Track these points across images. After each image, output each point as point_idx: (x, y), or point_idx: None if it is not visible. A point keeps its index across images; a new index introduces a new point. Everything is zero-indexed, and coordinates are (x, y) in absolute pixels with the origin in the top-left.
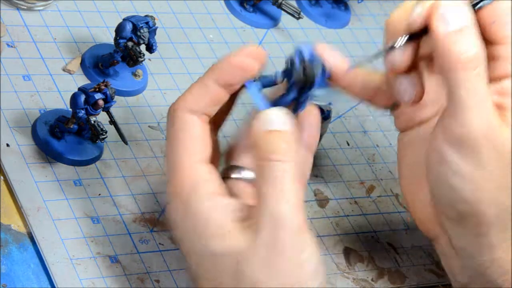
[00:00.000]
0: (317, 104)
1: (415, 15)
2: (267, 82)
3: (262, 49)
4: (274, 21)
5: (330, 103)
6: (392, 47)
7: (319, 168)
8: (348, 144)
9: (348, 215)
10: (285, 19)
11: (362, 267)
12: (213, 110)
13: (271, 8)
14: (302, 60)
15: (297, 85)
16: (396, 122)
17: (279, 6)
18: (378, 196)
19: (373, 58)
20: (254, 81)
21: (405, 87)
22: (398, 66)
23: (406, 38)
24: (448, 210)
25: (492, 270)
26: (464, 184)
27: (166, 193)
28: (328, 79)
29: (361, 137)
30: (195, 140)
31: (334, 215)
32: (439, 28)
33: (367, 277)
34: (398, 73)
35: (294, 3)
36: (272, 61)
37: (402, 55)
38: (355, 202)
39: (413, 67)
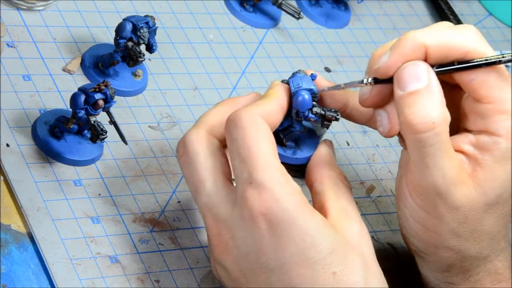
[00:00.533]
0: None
1: (381, 62)
2: None
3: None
4: (274, 21)
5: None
6: (361, 82)
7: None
8: (348, 144)
9: None
10: (285, 19)
11: None
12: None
13: (271, 8)
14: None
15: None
16: (400, 140)
17: (279, 6)
18: (378, 196)
19: (346, 86)
20: None
21: (380, 119)
22: (365, 103)
23: (371, 80)
24: (409, 244)
25: None
26: (421, 228)
27: (260, 175)
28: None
29: (361, 137)
30: (272, 143)
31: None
32: (395, 88)
33: None
34: (367, 107)
35: (294, 3)
36: (272, 61)
37: (369, 93)
38: (355, 202)
39: (388, 102)
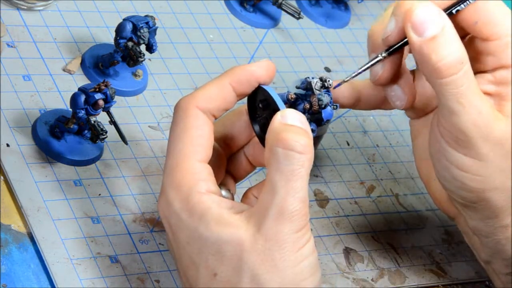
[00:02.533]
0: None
1: (389, 30)
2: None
3: (273, 64)
4: (274, 21)
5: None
6: (371, 63)
7: (319, 168)
8: (348, 144)
9: (348, 215)
10: (285, 19)
11: (362, 267)
12: (221, 112)
13: (271, 8)
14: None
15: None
16: (406, 113)
17: (279, 6)
18: (378, 196)
19: (355, 75)
20: None
21: (396, 94)
22: (380, 80)
23: (385, 53)
24: (456, 197)
25: (508, 248)
26: (466, 175)
27: (163, 183)
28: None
29: (361, 137)
30: (202, 139)
31: (334, 215)
32: (413, 38)
33: (367, 277)
34: (382, 85)
35: (294, 3)
36: (272, 61)
37: (381, 70)
38: (355, 202)
39: (400, 75)
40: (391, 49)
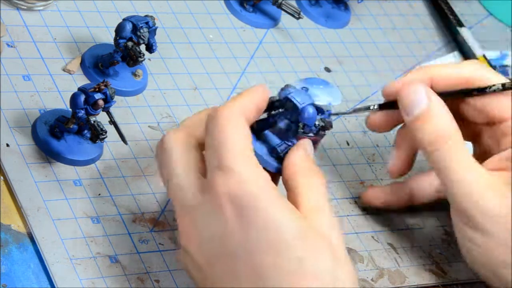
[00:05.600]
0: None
1: (386, 93)
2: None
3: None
4: (274, 21)
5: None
6: (367, 108)
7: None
8: (348, 144)
9: (348, 215)
10: (285, 19)
11: (362, 267)
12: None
13: (271, 8)
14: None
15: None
16: None
17: (279, 6)
18: None
19: (353, 112)
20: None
21: (391, 156)
22: (373, 125)
23: (376, 106)
24: (475, 272)
25: None
26: (474, 248)
27: (223, 164)
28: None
29: (361, 137)
30: (247, 137)
31: (334, 215)
32: (403, 115)
33: (367, 277)
34: (376, 131)
35: (294, 3)
36: (272, 61)
37: (375, 117)
38: (355, 202)
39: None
40: (383, 106)
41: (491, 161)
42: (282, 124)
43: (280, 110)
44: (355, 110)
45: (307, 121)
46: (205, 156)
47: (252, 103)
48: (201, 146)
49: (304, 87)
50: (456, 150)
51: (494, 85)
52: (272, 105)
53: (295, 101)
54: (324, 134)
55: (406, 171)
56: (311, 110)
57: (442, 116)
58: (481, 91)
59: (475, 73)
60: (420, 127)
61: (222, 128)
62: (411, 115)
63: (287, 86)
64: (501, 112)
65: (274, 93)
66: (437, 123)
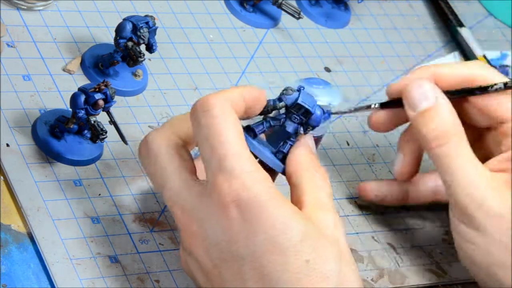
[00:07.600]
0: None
1: (391, 91)
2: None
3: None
4: (274, 21)
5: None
6: (368, 107)
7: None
8: (348, 144)
9: (348, 215)
10: (285, 19)
11: (362, 267)
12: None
13: (271, 8)
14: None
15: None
16: None
17: (279, 6)
18: None
19: (354, 111)
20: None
21: (396, 162)
22: (376, 124)
23: (378, 104)
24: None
25: None
26: (471, 247)
27: (225, 167)
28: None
29: (361, 137)
30: (240, 133)
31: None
32: (408, 111)
33: (367, 277)
34: (379, 130)
35: (294, 3)
36: (272, 61)
37: (378, 116)
38: (355, 202)
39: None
40: (384, 104)
41: (491, 163)
42: (290, 128)
43: (281, 112)
44: (356, 109)
45: (315, 123)
46: (199, 150)
47: (240, 95)
48: (187, 144)
49: (301, 86)
50: (461, 147)
51: (496, 84)
52: (268, 109)
53: (307, 107)
54: (327, 126)
55: (412, 175)
56: (318, 112)
57: (448, 112)
58: (483, 89)
59: (478, 72)
60: (425, 122)
61: (215, 124)
62: (417, 110)
63: (287, 89)
64: (503, 113)
65: (274, 93)
66: (443, 119)
